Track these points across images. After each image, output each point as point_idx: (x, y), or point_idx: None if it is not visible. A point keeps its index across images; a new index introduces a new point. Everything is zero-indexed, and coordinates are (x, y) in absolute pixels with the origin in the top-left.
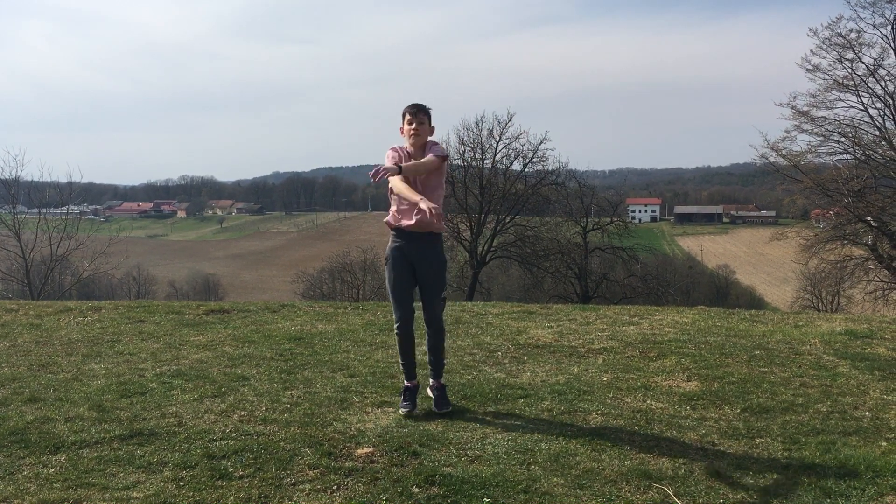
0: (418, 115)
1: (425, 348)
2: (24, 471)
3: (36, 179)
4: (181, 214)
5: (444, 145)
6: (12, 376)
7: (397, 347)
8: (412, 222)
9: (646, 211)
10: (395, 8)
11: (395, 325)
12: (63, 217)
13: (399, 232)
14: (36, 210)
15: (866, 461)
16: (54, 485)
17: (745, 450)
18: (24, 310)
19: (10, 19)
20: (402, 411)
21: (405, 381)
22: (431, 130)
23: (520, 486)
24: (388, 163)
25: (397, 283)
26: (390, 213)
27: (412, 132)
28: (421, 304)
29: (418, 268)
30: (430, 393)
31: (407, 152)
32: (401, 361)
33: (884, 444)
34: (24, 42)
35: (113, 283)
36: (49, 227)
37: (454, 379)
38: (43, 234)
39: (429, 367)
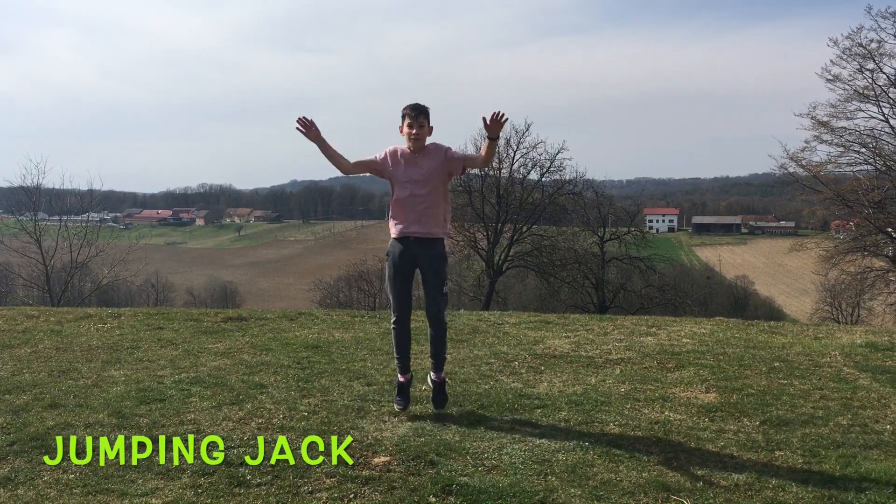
0: (418, 117)
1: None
2: (44, 476)
3: (57, 187)
4: (199, 222)
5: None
6: (33, 382)
7: (393, 342)
8: (411, 230)
9: (663, 221)
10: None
11: (392, 321)
12: (83, 224)
13: (401, 239)
14: (57, 217)
15: (887, 475)
16: (74, 490)
17: (764, 463)
18: (44, 316)
19: (33, 29)
20: (396, 408)
21: (399, 376)
22: (430, 131)
23: (537, 497)
24: (379, 154)
25: (396, 279)
26: (390, 223)
27: (413, 135)
28: (424, 299)
29: (420, 264)
30: (429, 383)
31: (403, 155)
32: (395, 356)
33: None
34: (46, 51)
35: (132, 290)
36: (69, 234)
37: (471, 388)
38: (63, 241)
39: (430, 360)
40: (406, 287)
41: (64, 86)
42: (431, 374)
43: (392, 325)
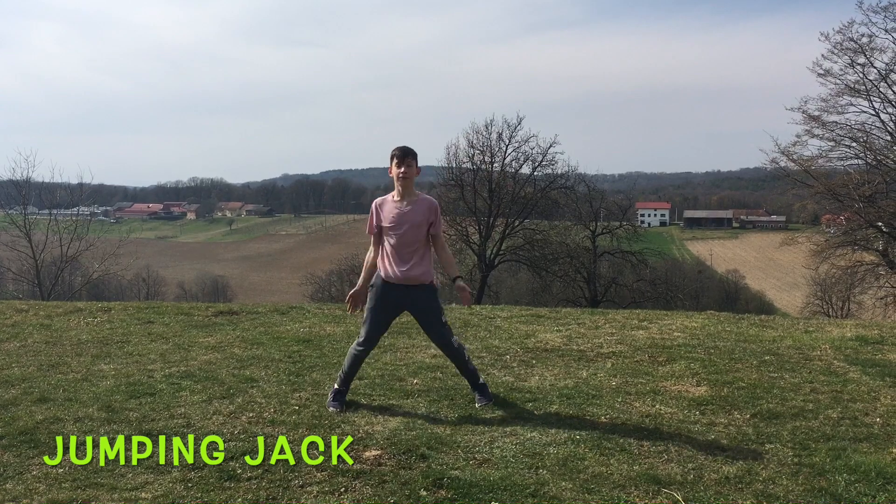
0: (406, 159)
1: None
2: (33, 470)
3: (47, 181)
4: (191, 216)
5: (434, 198)
6: (22, 376)
7: (348, 360)
8: (397, 274)
9: (655, 215)
10: (404, 12)
11: (358, 344)
12: (73, 218)
13: (389, 282)
14: (47, 211)
15: (877, 468)
16: (63, 485)
17: (754, 455)
18: (34, 310)
19: (21, 22)
20: (330, 409)
21: (337, 384)
22: (417, 172)
23: (528, 490)
24: (371, 219)
25: (376, 312)
26: (373, 253)
27: (401, 175)
28: (430, 336)
29: (409, 307)
30: (477, 405)
31: (390, 204)
32: (344, 369)
33: (895, 450)
34: (34, 44)
35: (122, 284)
36: (59, 228)
37: (462, 382)
38: (53, 235)
39: (469, 382)
40: (386, 322)
41: (52, 79)
42: (476, 397)
43: (357, 347)
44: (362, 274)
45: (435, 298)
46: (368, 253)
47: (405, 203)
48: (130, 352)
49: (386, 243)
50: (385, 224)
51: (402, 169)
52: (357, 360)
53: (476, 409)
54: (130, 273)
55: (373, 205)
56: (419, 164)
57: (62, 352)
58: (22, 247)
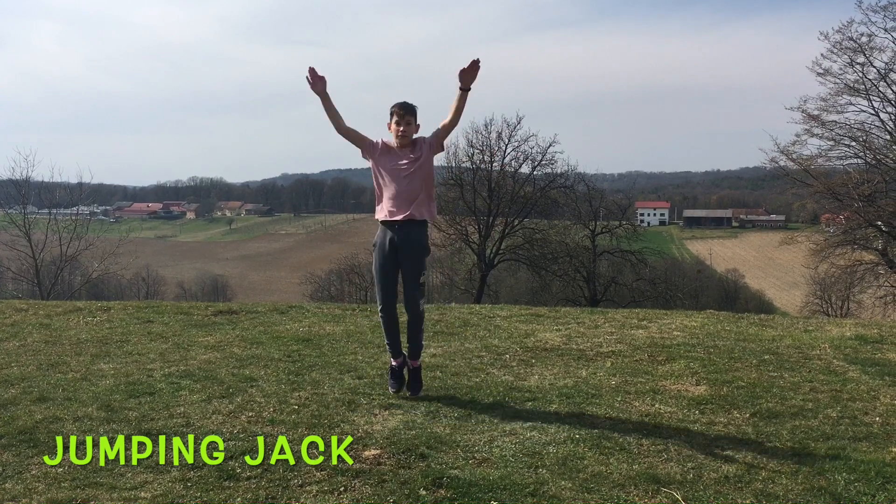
0: (406, 116)
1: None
2: (32, 470)
3: (46, 180)
4: (190, 216)
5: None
6: (21, 376)
7: (382, 329)
8: (398, 218)
9: (655, 214)
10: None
11: (380, 309)
12: (73, 217)
13: (386, 223)
14: (46, 210)
15: (876, 467)
16: (62, 484)
17: (754, 455)
18: (33, 310)
19: (20, 21)
20: (391, 390)
21: (391, 360)
22: (417, 128)
23: (527, 490)
24: (373, 138)
25: (381, 268)
26: (377, 209)
27: (400, 133)
28: (402, 288)
29: (400, 253)
30: (404, 374)
31: (392, 148)
32: (386, 341)
33: (894, 449)
34: (34, 44)
35: (122, 283)
36: (59, 227)
37: (462, 382)
38: (53, 234)
39: (406, 346)
40: (392, 276)
41: (52, 79)
42: (409, 362)
43: (380, 314)
44: (332, 112)
45: (422, 254)
46: (347, 125)
47: (406, 149)
48: (130, 351)
49: (386, 183)
50: (387, 166)
51: (402, 128)
52: (388, 325)
53: (475, 409)
54: (130, 272)
55: (381, 139)
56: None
57: (61, 351)
58: (21, 246)
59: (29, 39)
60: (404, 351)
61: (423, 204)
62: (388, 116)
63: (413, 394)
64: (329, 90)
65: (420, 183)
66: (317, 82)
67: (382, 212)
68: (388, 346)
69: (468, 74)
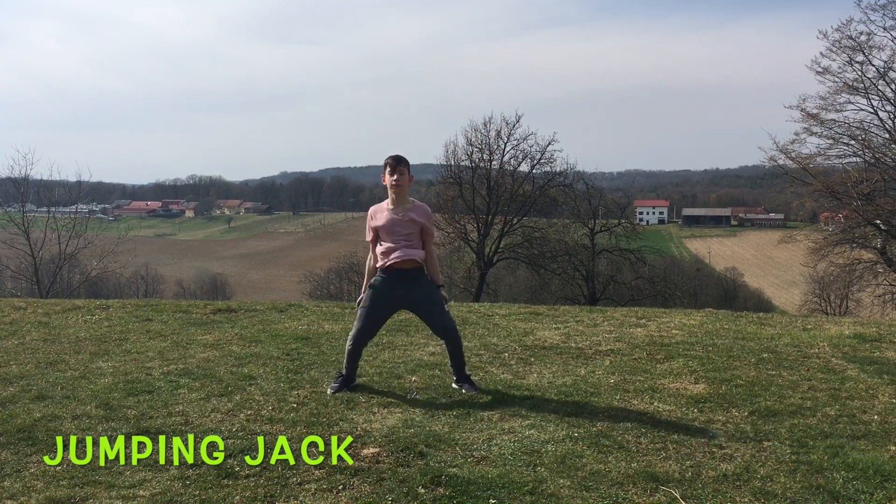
0: (398, 167)
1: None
2: (31, 468)
3: (45, 178)
4: (189, 214)
5: (426, 206)
6: (20, 374)
7: (346, 354)
8: (392, 260)
9: (654, 213)
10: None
11: (352, 344)
12: (72, 216)
13: (385, 271)
14: (45, 209)
15: (875, 465)
16: (61, 482)
17: (752, 453)
18: (32, 308)
19: (20, 20)
20: (329, 391)
21: (344, 368)
22: (410, 179)
23: (526, 488)
24: (367, 234)
25: (375, 313)
26: (373, 258)
27: (393, 183)
28: (431, 326)
29: (408, 304)
30: (463, 392)
31: (385, 209)
32: (345, 362)
33: (892, 448)
34: (34, 43)
35: (121, 281)
36: (58, 225)
37: None
38: (52, 232)
39: (453, 372)
40: (380, 322)
41: (51, 77)
42: (462, 387)
43: (350, 345)
44: (365, 279)
45: (435, 288)
46: (369, 259)
47: (399, 210)
48: (129, 349)
49: (381, 245)
50: (380, 228)
51: (395, 177)
52: (352, 353)
53: (474, 407)
54: (129, 271)
55: (369, 211)
56: (412, 173)
57: (60, 349)
58: (20, 244)
59: (29, 38)
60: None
61: (419, 253)
62: (382, 169)
63: (475, 392)
64: (328, 89)
65: (419, 234)
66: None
67: (381, 261)
68: (345, 365)
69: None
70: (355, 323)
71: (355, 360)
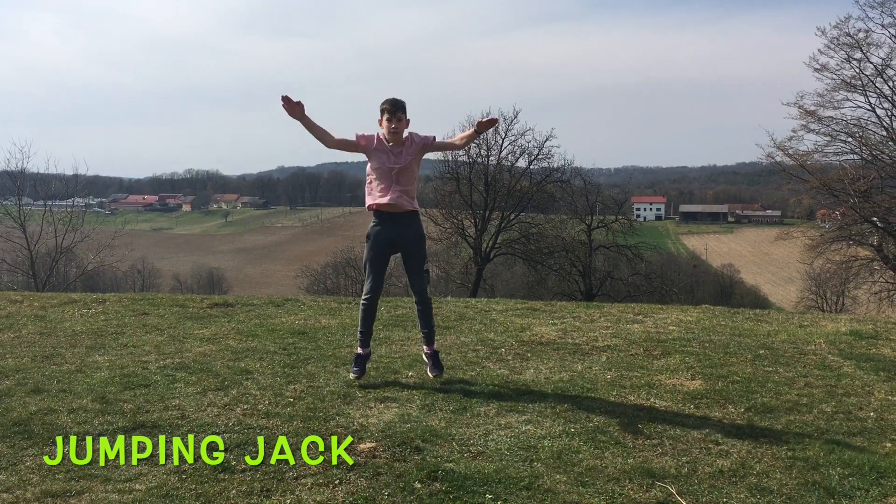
0: (396, 112)
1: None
2: (27, 461)
3: (42, 171)
4: (186, 208)
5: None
6: (16, 367)
7: (360, 316)
8: (385, 201)
9: (651, 209)
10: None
11: (364, 297)
12: (68, 209)
13: (379, 214)
14: (41, 202)
15: (871, 462)
16: (57, 476)
17: (748, 449)
18: (28, 301)
19: (18, 13)
20: (351, 376)
21: (359, 348)
22: (407, 123)
23: (522, 483)
24: (361, 138)
25: (374, 259)
26: (368, 198)
27: (391, 129)
28: (407, 279)
29: (399, 245)
30: (424, 359)
31: (384, 143)
32: (360, 329)
33: (888, 444)
34: (31, 36)
35: (117, 275)
36: (54, 219)
37: (457, 375)
38: (48, 226)
39: (421, 334)
40: (385, 266)
41: (49, 70)
42: (424, 348)
43: (364, 301)
44: (314, 125)
45: (422, 243)
46: (332, 134)
47: (398, 146)
48: (125, 343)
49: (377, 174)
50: (375, 168)
51: (393, 124)
52: (366, 313)
53: (470, 402)
54: (125, 265)
55: (361, 135)
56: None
57: (56, 343)
58: (17, 238)
59: (27, 31)
60: (420, 337)
61: (414, 196)
62: (379, 114)
63: (438, 375)
64: (326, 83)
65: (411, 176)
66: (294, 109)
67: (376, 201)
68: (360, 335)
69: (484, 126)
70: (366, 280)
71: (370, 319)
